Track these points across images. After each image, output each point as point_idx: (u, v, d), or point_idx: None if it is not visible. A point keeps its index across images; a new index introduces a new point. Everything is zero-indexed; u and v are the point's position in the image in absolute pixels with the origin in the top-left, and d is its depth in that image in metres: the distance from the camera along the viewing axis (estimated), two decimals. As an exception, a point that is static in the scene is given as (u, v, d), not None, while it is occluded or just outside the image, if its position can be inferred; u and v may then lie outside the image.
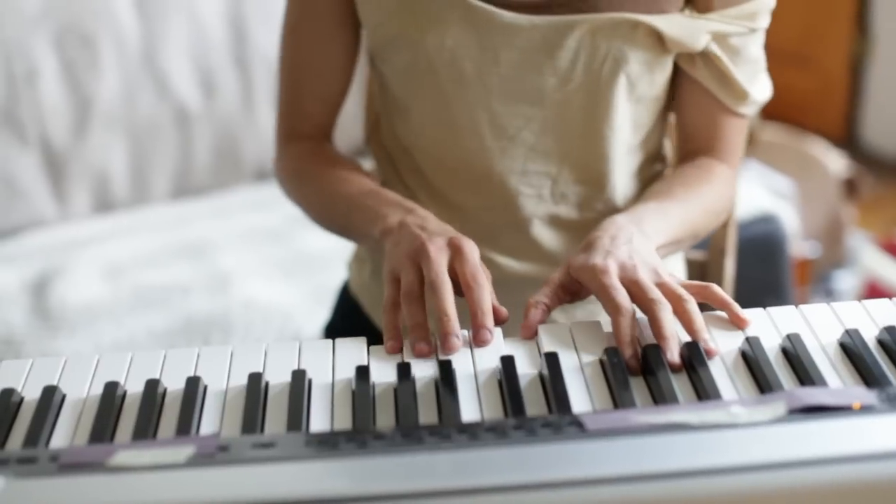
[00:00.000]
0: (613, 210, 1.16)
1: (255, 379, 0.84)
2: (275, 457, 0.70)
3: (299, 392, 0.83)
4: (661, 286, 0.91)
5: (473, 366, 0.87)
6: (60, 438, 0.80)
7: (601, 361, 0.87)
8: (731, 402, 0.75)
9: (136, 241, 2.22)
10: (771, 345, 0.88)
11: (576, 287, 0.96)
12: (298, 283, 2.08)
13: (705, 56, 1.09)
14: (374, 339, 0.92)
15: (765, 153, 2.66)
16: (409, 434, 0.72)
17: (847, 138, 3.62)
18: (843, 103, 3.64)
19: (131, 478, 0.68)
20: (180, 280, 2.07)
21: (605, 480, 0.66)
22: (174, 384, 0.85)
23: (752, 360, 0.85)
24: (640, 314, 0.90)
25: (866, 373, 0.84)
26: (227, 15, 2.40)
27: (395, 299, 0.94)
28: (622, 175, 1.16)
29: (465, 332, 0.90)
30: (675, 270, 1.26)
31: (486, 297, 0.92)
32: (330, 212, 1.15)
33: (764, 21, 1.09)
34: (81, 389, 0.85)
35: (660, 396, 0.81)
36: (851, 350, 0.87)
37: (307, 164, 1.18)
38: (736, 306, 0.92)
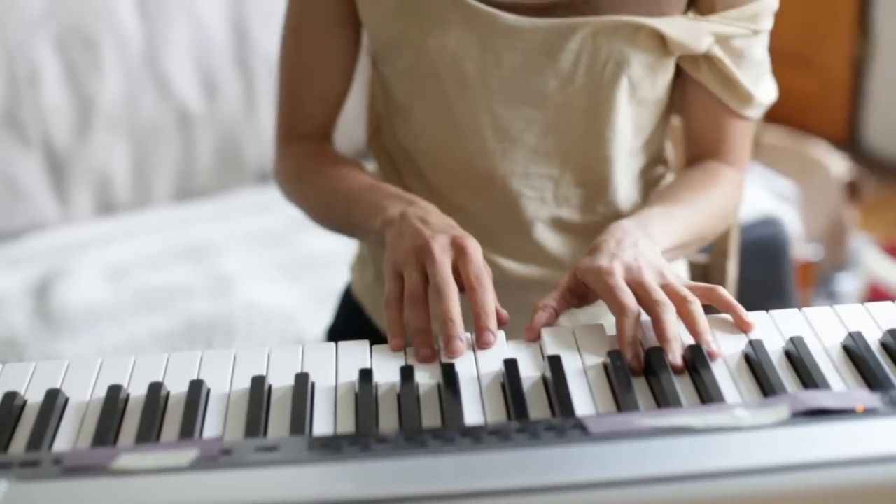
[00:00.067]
0: (615, 212, 1.16)
1: (258, 382, 0.84)
2: (278, 460, 0.70)
3: (302, 395, 0.83)
4: (666, 287, 0.91)
5: (476, 369, 0.87)
6: (63, 442, 0.80)
7: (604, 364, 0.87)
8: (735, 406, 0.76)
9: (138, 244, 2.22)
10: (774, 348, 0.88)
11: (583, 290, 0.96)
12: (301, 286, 2.07)
13: (709, 59, 1.09)
14: (377, 341, 0.92)
15: (767, 156, 2.66)
16: (412, 437, 0.72)
17: (849, 140, 3.61)
18: (845, 105, 3.64)
19: (134, 481, 0.68)
20: (182, 282, 2.07)
21: (608, 484, 0.66)
22: (177, 387, 0.85)
23: (755, 363, 0.85)
24: (644, 317, 0.90)
25: (869, 376, 0.83)
26: (228, 16, 2.40)
27: (397, 294, 0.94)
28: (624, 177, 1.16)
29: (469, 335, 0.90)
30: (678, 273, 1.26)
31: (490, 298, 0.92)
32: (330, 208, 1.14)
33: (767, 23, 1.09)
34: (84, 392, 0.85)
35: (663, 399, 0.81)
36: (854, 353, 0.87)
37: (307, 164, 1.18)
38: (741, 309, 0.92)
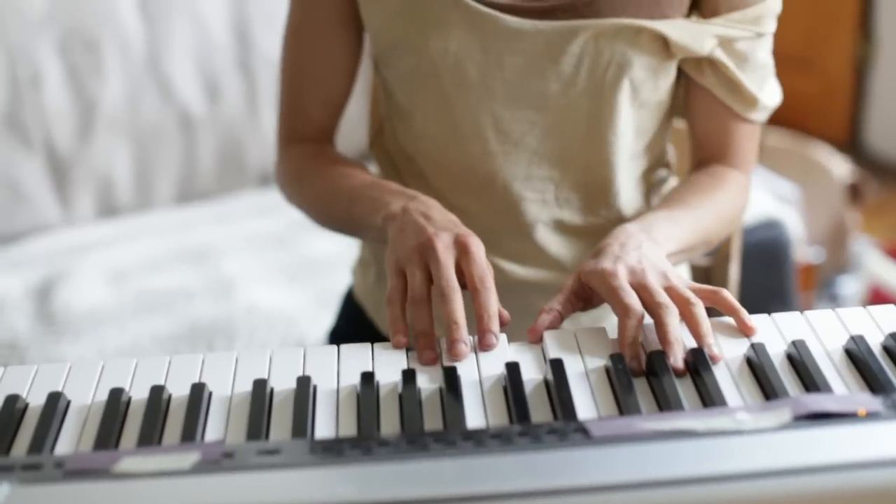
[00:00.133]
0: (617, 215, 1.16)
1: (259, 385, 0.84)
2: (279, 463, 0.70)
3: (304, 398, 0.83)
4: (670, 290, 0.91)
5: (478, 372, 0.87)
6: (65, 445, 0.80)
7: (606, 368, 0.87)
8: (737, 409, 0.75)
9: (140, 246, 2.22)
10: (776, 351, 0.88)
11: (587, 294, 0.96)
12: (302, 289, 2.07)
13: (713, 63, 1.09)
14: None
15: (769, 158, 2.66)
16: (413, 441, 0.72)
17: (851, 143, 3.61)
18: (847, 108, 3.64)
19: (136, 484, 0.68)
20: (184, 285, 2.07)
21: (610, 487, 0.66)
22: (179, 390, 0.85)
23: (757, 367, 0.85)
24: (647, 319, 0.90)
25: (871, 379, 0.83)
26: (230, 19, 2.40)
27: (400, 291, 0.94)
28: (626, 180, 1.16)
29: (472, 338, 0.90)
30: (681, 275, 1.26)
31: (493, 300, 0.92)
32: (331, 207, 1.14)
33: (770, 25, 1.09)
34: (86, 395, 0.85)
35: (665, 403, 0.81)
36: (857, 356, 0.86)
37: (308, 164, 1.18)
38: (744, 313, 0.92)
